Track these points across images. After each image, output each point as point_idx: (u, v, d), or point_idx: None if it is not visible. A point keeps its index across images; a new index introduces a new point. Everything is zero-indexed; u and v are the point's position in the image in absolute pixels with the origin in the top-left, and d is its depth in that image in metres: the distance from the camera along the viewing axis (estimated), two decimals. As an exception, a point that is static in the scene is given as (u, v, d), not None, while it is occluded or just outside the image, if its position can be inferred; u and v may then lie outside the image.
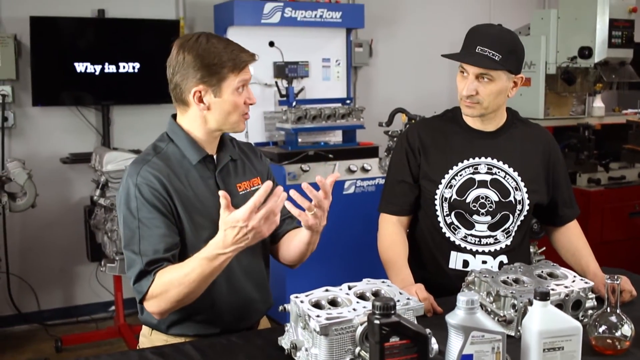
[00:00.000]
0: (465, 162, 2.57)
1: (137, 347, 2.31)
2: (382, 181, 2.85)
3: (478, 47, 2.42)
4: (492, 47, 2.41)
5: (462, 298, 1.66)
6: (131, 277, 2.09)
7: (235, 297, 2.27)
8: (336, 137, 5.60)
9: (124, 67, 5.45)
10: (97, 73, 5.36)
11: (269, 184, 1.93)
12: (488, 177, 2.55)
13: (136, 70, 5.49)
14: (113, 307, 5.42)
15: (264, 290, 2.38)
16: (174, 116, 2.30)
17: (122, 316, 5.05)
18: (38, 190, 4.58)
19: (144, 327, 2.32)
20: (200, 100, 2.16)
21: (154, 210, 2.10)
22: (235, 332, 2.23)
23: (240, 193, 2.29)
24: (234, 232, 1.93)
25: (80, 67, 5.30)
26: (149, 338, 2.29)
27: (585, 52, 5.02)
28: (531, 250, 3.78)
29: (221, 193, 1.94)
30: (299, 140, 5.25)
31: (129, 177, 2.15)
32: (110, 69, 5.40)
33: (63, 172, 5.46)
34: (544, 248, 3.93)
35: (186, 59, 2.14)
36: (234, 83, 2.15)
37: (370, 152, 5.42)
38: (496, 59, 2.41)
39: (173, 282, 2.02)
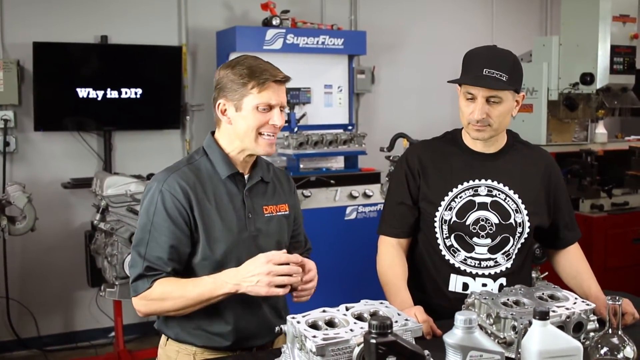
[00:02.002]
0: (465, 184, 2.55)
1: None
2: (383, 207, 2.83)
3: (485, 69, 2.40)
4: (499, 68, 2.40)
5: (460, 317, 1.64)
6: (131, 275, 2.19)
7: (250, 314, 2.29)
8: (338, 163, 5.58)
9: (126, 93, 5.47)
10: (99, 99, 5.39)
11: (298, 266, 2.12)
12: (488, 199, 2.53)
13: (138, 96, 5.52)
14: (113, 333, 5.38)
15: (278, 312, 2.40)
16: (213, 132, 2.36)
17: (121, 342, 5.01)
18: (39, 214, 4.57)
19: (161, 337, 2.37)
20: (224, 113, 2.25)
21: (169, 219, 2.17)
22: (246, 348, 2.29)
23: (266, 215, 2.34)
24: (249, 268, 2.06)
25: (82, 92, 5.33)
26: (164, 349, 2.35)
27: (587, 78, 5.03)
28: (533, 275, 3.75)
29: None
30: (301, 166, 5.25)
31: (156, 182, 2.22)
32: (112, 94, 5.43)
33: (64, 197, 5.46)
34: (547, 273, 3.90)
35: (220, 75, 2.25)
36: (254, 101, 2.19)
37: (372, 178, 5.41)
38: (504, 79, 2.40)
39: (172, 294, 2.12)
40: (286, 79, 2.25)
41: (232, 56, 5.24)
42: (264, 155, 2.33)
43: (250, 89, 2.18)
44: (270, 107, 2.21)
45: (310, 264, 2.24)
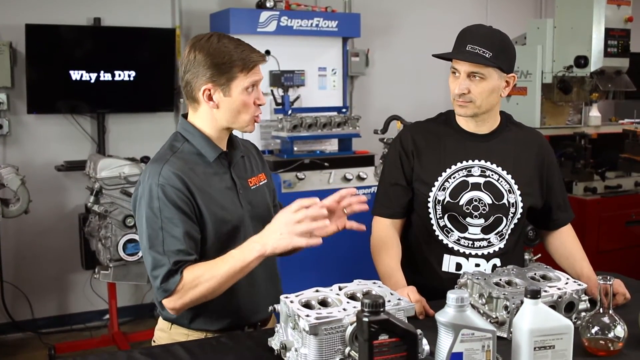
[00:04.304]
0: (459, 164, 2.55)
1: (152, 342, 2.35)
2: (377, 189, 2.83)
3: (468, 45, 2.42)
4: (483, 45, 2.41)
5: (451, 295, 1.65)
6: (158, 276, 2.10)
7: (253, 290, 2.30)
8: (332, 146, 5.57)
9: (119, 76, 5.45)
10: (92, 81, 5.37)
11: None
12: (481, 180, 2.54)
13: (132, 79, 5.50)
14: (107, 316, 5.39)
15: (275, 281, 2.43)
16: (185, 115, 2.33)
17: (116, 324, 5.03)
18: (33, 197, 4.56)
19: (161, 321, 2.34)
20: (210, 98, 2.20)
21: (176, 210, 2.12)
22: (252, 324, 2.31)
23: (252, 188, 2.36)
24: (270, 226, 2.06)
25: (75, 75, 5.31)
26: (167, 332, 2.31)
27: (581, 61, 5.02)
28: (526, 257, 3.76)
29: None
30: (295, 148, 5.24)
31: (151, 178, 2.16)
32: (105, 77, 5.41)
33: (58, 179, 5.45)
34: (539, 255, 3.91)
35: (197, 58, 2.18)
36: (243, 83, 2.18)
37: (366, 160, 5.41)
38: (487, 56, 2.40)
39: (204, 276, 2.07)
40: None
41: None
42: (248, 133, 2.33)
43: (239, 72, 2.17)
44: (253, 86, 2.22)
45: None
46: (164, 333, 2.32)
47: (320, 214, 2.04)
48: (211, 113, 2.23)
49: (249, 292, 2.28)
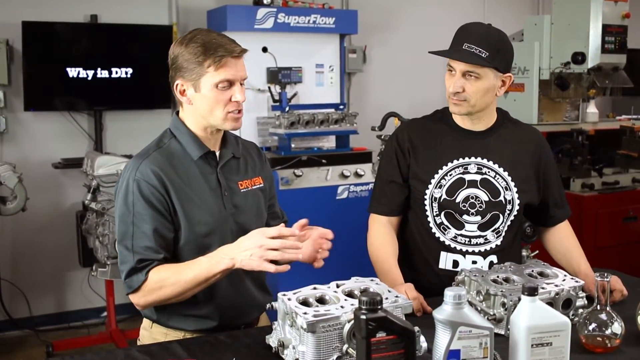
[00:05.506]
0: (455, 162, 2.56)
1: (137, 340, 2.36)
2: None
3: (465, 44, 2.42)
4: (479, 44, 2.41)
5: (449, 293, 1.65)
6: (123, 271, 2.14)
7: (235, 292, 2.29)
8: (329, 143, 5.57)
9: (116, 73, 5.45)
10: (89, 78, 5.36)
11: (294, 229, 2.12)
12: (478, 177, 2.54)
13: (129, 76, 5.49)
14: (105, 313, 5.38)
15: (262, 286, 2.42)
16: (178, 112, 2.32)
17: (114, 322, 5.02)
18: (30, 195, 4.55)
19: (144, 320, 2.35)
20: (183, 93, 2.20)
21: (149, 207, 2.13)
22: (235, 328, 2.28)
23: (242, 191, 2.32)
24: (244, 242, 2.05)
25: (72, 72, 5.30)
26: (149, 331, 2.32)
27: (579, 57, 5.02)
28: (524, 253, 3.76)
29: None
30: (292, 145, 5.23)
31: (129, 172, 2.18)
32: (102, 74, 5.40)
33: (55, 177, 5.45)
34: (537, 252, 3.91)
35: (174, 54, 2.20)
36: (212, 79, 2.14)
37: (363, 157, 5.41)
38: (483, 55, 2.40)
39: (169, 280, 2.09)
40: (243, 52, 2.19)
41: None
42: (231, 130, 2.29)
43: (207, 67, 2.13)
44: (230, 84, 2.17)
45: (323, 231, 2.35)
46: (146, 331, 2.33)
47: (295, 246, 2.07)
48: (192, 108, 2.22)
49: (233, 298, 2.28)
